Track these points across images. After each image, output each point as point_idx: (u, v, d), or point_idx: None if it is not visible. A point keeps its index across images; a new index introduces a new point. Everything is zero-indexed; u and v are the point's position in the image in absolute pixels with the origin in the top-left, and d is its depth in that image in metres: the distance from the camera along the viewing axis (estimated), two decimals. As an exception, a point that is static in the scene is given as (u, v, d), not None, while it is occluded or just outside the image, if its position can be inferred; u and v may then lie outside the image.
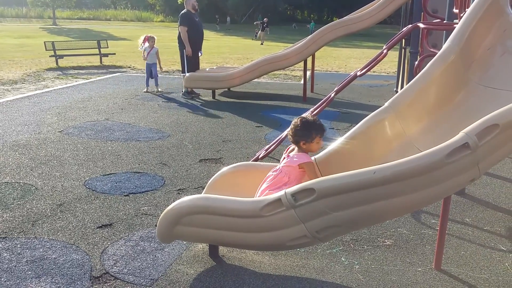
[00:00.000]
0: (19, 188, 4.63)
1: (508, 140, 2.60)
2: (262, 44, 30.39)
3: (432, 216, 4.21)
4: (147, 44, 10.63)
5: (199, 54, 10.40)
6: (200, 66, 10.75)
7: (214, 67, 12.14)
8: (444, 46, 3.63)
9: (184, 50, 10.00)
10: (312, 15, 67.24)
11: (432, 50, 5.66)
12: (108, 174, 5.09)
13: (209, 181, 3.70)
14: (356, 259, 3.42)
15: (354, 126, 3.66)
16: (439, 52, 3.61)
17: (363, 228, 3.76)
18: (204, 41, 10.70)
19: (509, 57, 3.63)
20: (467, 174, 2.57)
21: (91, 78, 12.62)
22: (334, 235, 2.93)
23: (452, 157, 2.46)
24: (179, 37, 10.06)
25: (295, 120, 3.44)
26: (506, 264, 3.40)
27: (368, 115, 3.64)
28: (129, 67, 15.39)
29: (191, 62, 10.13)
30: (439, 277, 3.20)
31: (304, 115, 3.50)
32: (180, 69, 10.96)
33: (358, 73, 5.82)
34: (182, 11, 10.19)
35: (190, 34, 9.87)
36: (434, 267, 3.30)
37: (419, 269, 3.30)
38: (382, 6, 9.95)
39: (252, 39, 32.11)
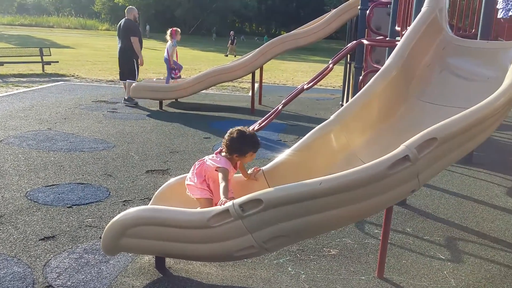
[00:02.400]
0: (-47, 200, 4.41)
1: (446, 153, 2.75)
2: (234, 56, 30.20)
3: (375, 226, 4.34)
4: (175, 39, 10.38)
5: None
6: (146, 76, 10.72)
7: (161, 78, 12.04)
8: (387, 62, 3.78)
9: (134, 60, 10.14)
10: (260, 28, 68.06)
11: (375, 65, 5.87)
12: (50, 185, 4.93)
13: (156, 192, 3.66)
14: (302, 269, 3.47)
15: (301, 138, 3.73)
16: (382, 68, 3.76)
17: (309, 238, 3.83)
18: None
19: (448, 74, 3.83)
20: (408, 185, 2.68)
21: (33, 86, 12.18)
22: (281, 245, 2.97)
23: (394, 169, 2.57)
24: (126, 48, 10.11)
25: (232, 131, 3.48)
26: (445, 272, 3.55)
27: (314, 127, 3.73)
28: (73, 76, 14.97)
29: (134, 71, 10.31)
30: (382, 285, 3.30)
31: (242, 128, 3.53)
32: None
33: (305, 87, 5.95)
34: (128, 21, 10.19)
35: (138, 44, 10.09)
36: (377, 276, 3.40)
37: (363, 277, 3.39)
38: (329, 22, 10.25)
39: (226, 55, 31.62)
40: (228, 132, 3.50)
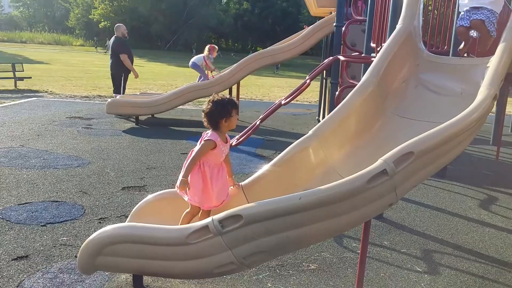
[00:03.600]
0: None
1: (422, 167, 2.79)
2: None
3: (353, 240, 4.36)
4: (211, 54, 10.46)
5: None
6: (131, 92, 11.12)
7: (137, 93, 11.97)
8: (363, 78, 3.84)
9: (123, 75, 10.65)
10: (236, 44, 68.42)
11: (351, 81, 5.95)
12: (23, 204, 4.81)
13: (133, 209, 3.61)
14: (282, 284, 3.45)
15: (279, 153, 3.74)
16: (359, 84, 3.81)
17: (289, 253, 3.81)
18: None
19: (422, 89, 3.91)
20: (386, 199, 2.71)
21: (4, 102, 11.95)
22: (261, 261, 2.95)
23: (372, 183, 2.60)
24: (114, 64, 10.55)
25: (206, 105, 3.37)
26: (422, 284, 3.58)
27: (292, 142, 3.74)
28: (46, 92, 14.76)
29: (120, 85, 10.74)
30: (361, 299, 3.30)
31: (210, 97, 3.43)
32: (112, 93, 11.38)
33: (283, 102, 5.99)
34: (116, 39, 10.61)
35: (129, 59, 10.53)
36: (356, 290, 3.41)
37: (343, 292, 3.39)
38: (305, 38, 10.39)
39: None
40: (203, 110, 3.39)
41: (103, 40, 49.91)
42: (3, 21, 74.53)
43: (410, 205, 5.49)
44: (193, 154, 3.27)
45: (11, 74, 15.39)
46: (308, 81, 6.04)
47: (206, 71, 10.54)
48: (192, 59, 10.74)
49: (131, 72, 10.83)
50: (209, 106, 3.35)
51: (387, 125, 3.75)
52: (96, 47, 53.15)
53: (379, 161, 2.67)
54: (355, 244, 4.24)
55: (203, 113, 3.38)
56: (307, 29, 10.71)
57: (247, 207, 2.70)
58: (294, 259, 3.87)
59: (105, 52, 49.06)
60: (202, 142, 3.29)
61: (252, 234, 2.66)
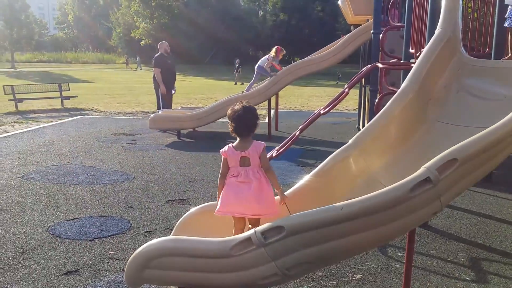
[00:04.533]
0: (-22, 236, 4.48)
1: (466, 174, 2.72)
2: (241, 84, 30.57)
3: (398, 249, 4.29)
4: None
5: (172, 92, 11.46)
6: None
7: (179, 108, 12.20)
8: (403, 85, 3.79)
9: (159, 89, 10.94)
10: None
11: (390, 88, 5.88)
12: (72, 219, 4.98)
13: (178, 223, 3.67)
14: (326, 296, 3.43)
15: (320, 162, 3.73)
16: (398, 91, 3.77)
17: (332, 264, 3.79)
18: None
19: (464, 94, 3.83)
20: (430, 207, 2.66)
21: (52, 121, 12.42)
22: (304, 271, 2.94)
23: (415, 191, 2.55)
24: (154, 78, 11.03)
25: (240, 109, 3.24)
26: (472, 294, 3.48)
27: (332, 151, 3.73)
28: (92, 109, 15.25)
29: (165, 100, 11.06)
30: (409, 310, 3.24)
31: (239, 105, 3.30)
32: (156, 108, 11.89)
33: (322, 111, 5.97)
34: (156, 55, 11.18)
35: (163, 74, 10.84)
36: (403, 301, 3.35)
37: (389, 303, 3.34)
38: (343, 46, 10.35)
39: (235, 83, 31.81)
40: (235, 116, 3.25)
41: (146, 57, 51.30)
42: (48, 43, 77.56)
43: (456, 212, 5.35)
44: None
45: (58, 94, 15.99)
46: (346, 90, 6.01)
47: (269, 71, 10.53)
48: (259, 62, 10.79)
49: (172, 87, 11.32)
50: (246, 115, 3.30)
51: (429, 132, 3.68)
52: (127, 65, 55.15)
53: (422, 168, 2.62)
54: (400, 254, 4.17)
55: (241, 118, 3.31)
56: (345, 38, 10.66)
57: (289, 218, 2.70)
58: (338, 269, 3.84)
59: (136, 69, 50.69)
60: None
61: (294, 245, 2.66)
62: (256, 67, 10.74)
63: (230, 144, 3.31)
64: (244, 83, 30.31)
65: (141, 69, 51.31)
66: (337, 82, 32.51)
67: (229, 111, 3.31)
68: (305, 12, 59.86)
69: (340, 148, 3.67)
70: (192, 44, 56.73)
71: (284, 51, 10.66)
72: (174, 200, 5.65)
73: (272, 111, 11.06)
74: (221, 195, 3.30)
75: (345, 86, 6.11)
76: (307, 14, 59.68)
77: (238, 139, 3.31)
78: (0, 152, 8.19)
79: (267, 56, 10.62)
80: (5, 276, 3.67)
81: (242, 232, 3.22)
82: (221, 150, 3.30)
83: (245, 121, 3.27)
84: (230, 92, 20.29)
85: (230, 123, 3.29)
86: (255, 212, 3.22)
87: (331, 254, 2.73)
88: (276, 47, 10.58)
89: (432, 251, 4.27)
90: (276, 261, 2.72)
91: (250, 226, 3.26)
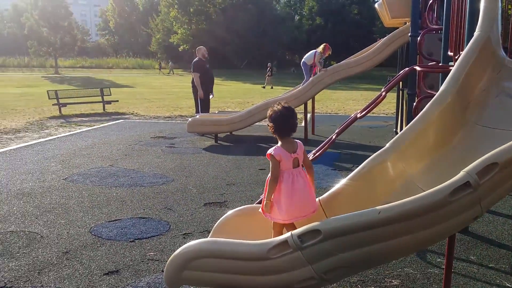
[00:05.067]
0: (24, 236, 4.64)
1: (508, 178, 2.66)
2: (271, 88, 30.73)
3: (437, 255, 4.22)
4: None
5: (210, 97, 11.62)
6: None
7: (216, 112, 12.34)
8: (441, 88, 3.74)
9: (198, 93, 11.13)
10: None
11: (429, 91, 5.79)
12: (113, 220, 5.11)
13: (215, 225, 3.72)
14: (363, 301, 3.41)
15: (356, 167, 3.71)
16: (437, 94, 3.72)
17: (370, 268, 3.76)
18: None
19: (504, 97, 3.74)
20: (470, 212, 2.61)
21: (94, 125, 12.78)
22: (341, 276, 2.94)
23: (455, 196, 2.52)
24: (193, 82, 11.22)
25: (281, 108, 3.25)
26: (515, 302, 3.40)
27: (369, 155, 3.71)
28: (132, 113, 15.60)
29: (203, 104, 11.25)
30: (448, 317, 3.19)
31: (278, 105, 3.30)
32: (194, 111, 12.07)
33: (359, 115, 5.93)
34: (194, 59, 11.33)
35: (201, 79, 11.00)
36: (442, 307, 3.29)
37: (428, 309, 3.30)
38: (380, 50, 10.24)
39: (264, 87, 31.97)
40: (277, 115, 3.27)
41: (184, 62, 52.17)
42: (91, 49, 79.77)
43: (498, 217, 5.22)
44: (269, 177, 3.23)
45: (99, 98, 16.44)
46: (383, 93, 5.95)
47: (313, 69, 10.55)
48: (303, 58, 10.84)
49: (211, 91, 11.53)
50: (287, 113, 3.32)
51: (468, 136, 3.62)
52: (160, 69, 56.21)
53: (462, 173, 2.59)
54: (439, 259, 4.10)
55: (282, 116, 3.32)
56: (382, 40, 10.56)
57: (326, 222, 2.71)
58: (376, 274, 3.81)
59: (168, 73, 51.58)
60: (269, 156, 3.25)
61: (331, 249, 2.67)
62: (301, 63, 10.80)
63: (277, 146, 3.27)
64: (274, 87, 30.43)
65: (173, 73, 52.18)
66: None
67: (269, 112, 3.30)
68: (341, 15, 59.48)
69: (378, 152, 3.64)
70: (229, 49, 57.23)
71: (331, 49, 10.64)
72: (211, 203, 5.72)
73: (309, 115, 11.04)
74: (280, 202, 3.22)
75: (382, 90, 6.05)
76: (344, 17, 59.26)
77: (281, 140, 3.31)
78: (44, 155, 8.49)
79: (313, 51, 10.61)
80: (49, 276, 3.80)
81: (281, 234, 3.26)
82: (273, 153, 3.21)
83: (288, 121, 3.29)
84: (266, 96, 20.37)
85: (271, 124, 3.29)
86: (311, 210, 3.27)
87: (368, 258, 2.72)
88: (324, 44, 10.59)
89: (472, 257, 4.18)
90: (312, 265, 2.72)
91: (285, 229, 3.29)
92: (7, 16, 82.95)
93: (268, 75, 32.60)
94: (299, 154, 3.29)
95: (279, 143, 3.30)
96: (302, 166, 3.31)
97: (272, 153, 3.22)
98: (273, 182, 3.22)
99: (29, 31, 54.77)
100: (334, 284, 3.58)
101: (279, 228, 3.31)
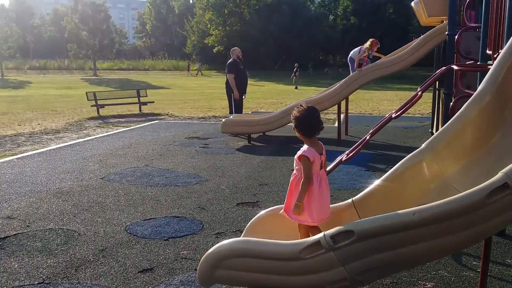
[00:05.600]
0: (62, 234, 4.76)
1: (549, 179, 2.58)
2: (297, 88, 30.83)
3: (473, 257, 4.12)
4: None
5: (243, 97, 11.68)
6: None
7: (249, 112, 12.39)
8: (479, 87, 3.65)
9: (232, 94, 11.23)
10: (344, 60, 67.79)
11: (466, 91, 5.66)
12: (148, 219, 5.20)
13: (248, 225, 3.74)
14: (397, 303, 3.36)
15: (390, 167, 3.67)
16: (475, 94, 3.63)
17: (404, 270, 3.71)
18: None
19: (546, 97, 3.62)
20: (508, 214, 2.54)
21: (131, 126, 13.03)
22: (375, 277, 2.91)
23: (492, 197, 2.46)
24: (227, 83, 11.31)
25: (306, 109, 3.26)
26: (556, 308, 3.28)
27: (403, 156, 3.66)
28: (167, 115, 15.82)
29: (236, 105, 11.36)
30: (485, 322, 3.11)
31: (302, 107, 3.30)
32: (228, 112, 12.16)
33: (393, 115, 5.84)
34: (229, 60, 11.46)
35: (236, 80, 11.11)
36: (479, 312, 3.22)
37: (464, 313, 3.22)
38: (416, 49, 10.07)
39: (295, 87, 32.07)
40: (301, 115, 3.26)
41: (219, 63, 52.65)
42: (128, 51, 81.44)
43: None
44: (302, 178, 3.24)
45: (136, 100, 16.75)
46: (419, 93, 5.84)
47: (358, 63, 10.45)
48: (351, 53, 10.78)
49: (244, 92, 11.62)
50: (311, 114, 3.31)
51: (507, 137, 3.51)
52: (188, 71, 56.78)
53: (500, 174, 2.52)
54: (475, 262, 4.00)
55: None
56: (418, 39, 10.37)
57: (359, 223, 2.69)
58: (409, 276, 3.75)
59: (196, 75, 52.10)
60: (301, 157, 3.24)
61: (364, 250, 2.64)
62: (348, 59, 10.73)
63: (309, 148, 3.27)
64: (298, 87, 30.45)
65: (201, 74, 52.60)
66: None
67: (295, 113, 3.29)
68: (376, 14, 58.71)
69: (413, 152, 3.59)
70: (263, 49, 57.32)
71: (379, 44, 10.51)
72: (244, 203, 5.75)
73: (342, 116, 10.96)
74: (310, 205, 3.24)
75: (418, 89, 5.94)
76: (379, 16, 58.47)
77: (308, 140, 3.31)
78: (83, 155, 8.70)
79: (360, 47, 10.53)
80: (85, 272, 3.88)
81: (307, 236, 3.26)
82: (305, 154, 3.21)
83: (314, 120, 3.28)
84: (299, 97, 20.31)
85: (296, 124, 3.28)
86: (329, 213, 3.31)
87: (402, 260, 2.68)
88: (372, 39, 10.49)
89: (509, 260, 4.06)
90: (345, 266, 2.71)
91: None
92: (48, 20, 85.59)
93: (295, 76, 32.66)
94: (325, 155, 3.32)
95: (307, 144, 3.30)
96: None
97: (306, 155, 3.21)
98: (307, 184, 3.22)
99: (69, 35, 56.31)
100: (367, 286, 3.54)
101: (306, 230, 3.31)
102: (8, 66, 59.64)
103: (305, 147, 3.28)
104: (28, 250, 4.34)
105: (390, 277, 3.69)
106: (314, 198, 3.23)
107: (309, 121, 3.26)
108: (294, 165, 3.38)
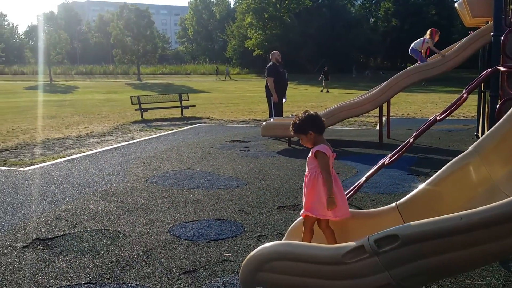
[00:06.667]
0: (108, 235, 4.88)
1: None
2: (321, 91, 30.92)
3: (524, 266, 3.98)
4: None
5: (283, 101, 11.74)
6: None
7: (290, 116, 12.37)
8: (529, 89, 3.54)
9: (271, 98, 11.28)
10: (385, 62, 66.86)
11: (515, 93, 5.49)
12: (190, 221, 5.26)
13: (289, 228, 3.74)
14: (443, 310, 3.28)
15: (435, 171, 3.59)
16: (523, 95, 3.53)
17: (449, 277, 3.62)
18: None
19: None
20: (562, 220, 2.45)
21: (173, 129, 13.24)
22: (420, 283, 2.85)
23: (544, 202, 2.37)
24: (267, 87, 11.39)
25: (308, 112, 3.47)
26: None
27: (447, 160, 3.58)
28: (208, 118, 16.01)
29: (276, 108, 11.39)
30: (537, 332, 3.00)
31: (301, 113, 3.51)
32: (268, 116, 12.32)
33: (438, 118, 5.72)
34: (269, 64, 11.54)
35: (275, 83, 11.15)
36: (530, 321, 3.11)
37: (514, 322, 3.12)
38: (460, 51, 9.83)
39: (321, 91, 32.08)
40: (306, 118, 3.46)
41: (258, 67, 52.90)
42: (170, 56, 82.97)
43: None
44: (323, 172, 3.38)
45: (178, 104, 17.04)
46: (465, 95, 5.70)
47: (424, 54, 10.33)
48: (412, 44, 10.64)
49: (283, 95, 11.67)
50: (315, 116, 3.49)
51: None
52: (217, 75, 57.25)
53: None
54: (526, 270, 3.87)
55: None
56: (462, 41, 10.11)
57: (404, 227, 2.64)
58: (455, 283, 3.66)
59: (225, 79, 52.41)
60: (317, 153, 3.39)
61: (409, 255, 2.60)
62: (409, 50, 10.56)
63: (322, 144, 3.41)
64: (323, 90, 30.35)
65: (230, 79, 52.86)
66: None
67: (296, 120, 3.46)
68: (418, 16, 57.65)
69: (459, 156, 3.51)
70: (302, 53, 57.16)
71: (439, 32, 10.33)
72: (285, 206, 5.74)
73: (384, 119, 10.79)
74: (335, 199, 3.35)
75: (463, 91, 5.80)
76: (421, 18, 57.36)
77: (319, 139, 3.45)
78: (127, 158, 8.91)
79: (422, 38, 10.38)
80: (130, 273, 3.96)
81: (311, 231, 3.40)
82: (321, 150, 3.36)
83: (320, 119, 3.46)
84: (339, 100, 20.14)
85: (306, 127, 3.42)
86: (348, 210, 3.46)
87: (448, 266, 2.62)
88: (430, 29, 10.36)
89: None
90: (390, 271, 2.66)
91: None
92: (94, 27, 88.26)
93: (324, 79, 32.52)
94: (334, 155, 3.47)
95: (319, 143, 3.44)
96: None
97: (322, 150, 3.35)
98: (329, 178, 3.34)
99: (114, 40, 57.84)
100: (412, 292, 3.47)
101: (311, 225, 3.42)
102: (56, 71, 61.79)
103: (319, 144, 3.41)
104: (75, 251, 4.46)
105: (435, 283, 3.61)
106: (334, 193, 3.34)
107: (317, 118, 3.43)
108: (307, 164, 3.52)
